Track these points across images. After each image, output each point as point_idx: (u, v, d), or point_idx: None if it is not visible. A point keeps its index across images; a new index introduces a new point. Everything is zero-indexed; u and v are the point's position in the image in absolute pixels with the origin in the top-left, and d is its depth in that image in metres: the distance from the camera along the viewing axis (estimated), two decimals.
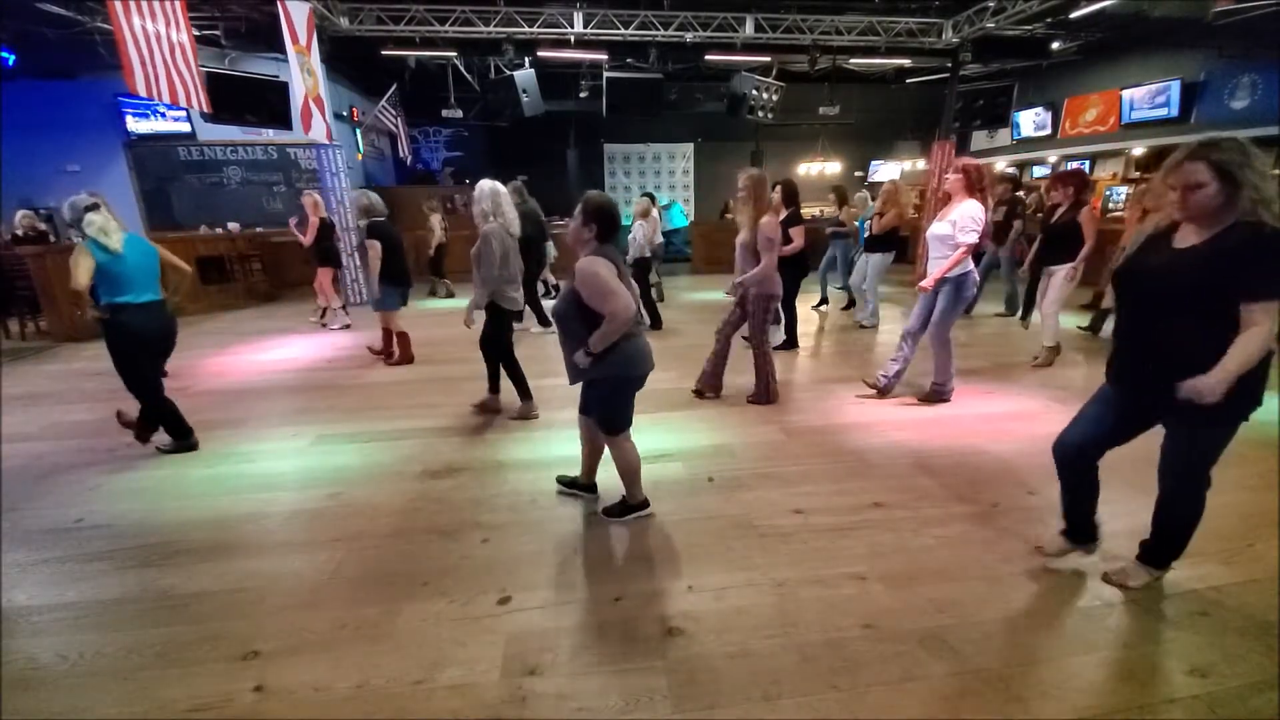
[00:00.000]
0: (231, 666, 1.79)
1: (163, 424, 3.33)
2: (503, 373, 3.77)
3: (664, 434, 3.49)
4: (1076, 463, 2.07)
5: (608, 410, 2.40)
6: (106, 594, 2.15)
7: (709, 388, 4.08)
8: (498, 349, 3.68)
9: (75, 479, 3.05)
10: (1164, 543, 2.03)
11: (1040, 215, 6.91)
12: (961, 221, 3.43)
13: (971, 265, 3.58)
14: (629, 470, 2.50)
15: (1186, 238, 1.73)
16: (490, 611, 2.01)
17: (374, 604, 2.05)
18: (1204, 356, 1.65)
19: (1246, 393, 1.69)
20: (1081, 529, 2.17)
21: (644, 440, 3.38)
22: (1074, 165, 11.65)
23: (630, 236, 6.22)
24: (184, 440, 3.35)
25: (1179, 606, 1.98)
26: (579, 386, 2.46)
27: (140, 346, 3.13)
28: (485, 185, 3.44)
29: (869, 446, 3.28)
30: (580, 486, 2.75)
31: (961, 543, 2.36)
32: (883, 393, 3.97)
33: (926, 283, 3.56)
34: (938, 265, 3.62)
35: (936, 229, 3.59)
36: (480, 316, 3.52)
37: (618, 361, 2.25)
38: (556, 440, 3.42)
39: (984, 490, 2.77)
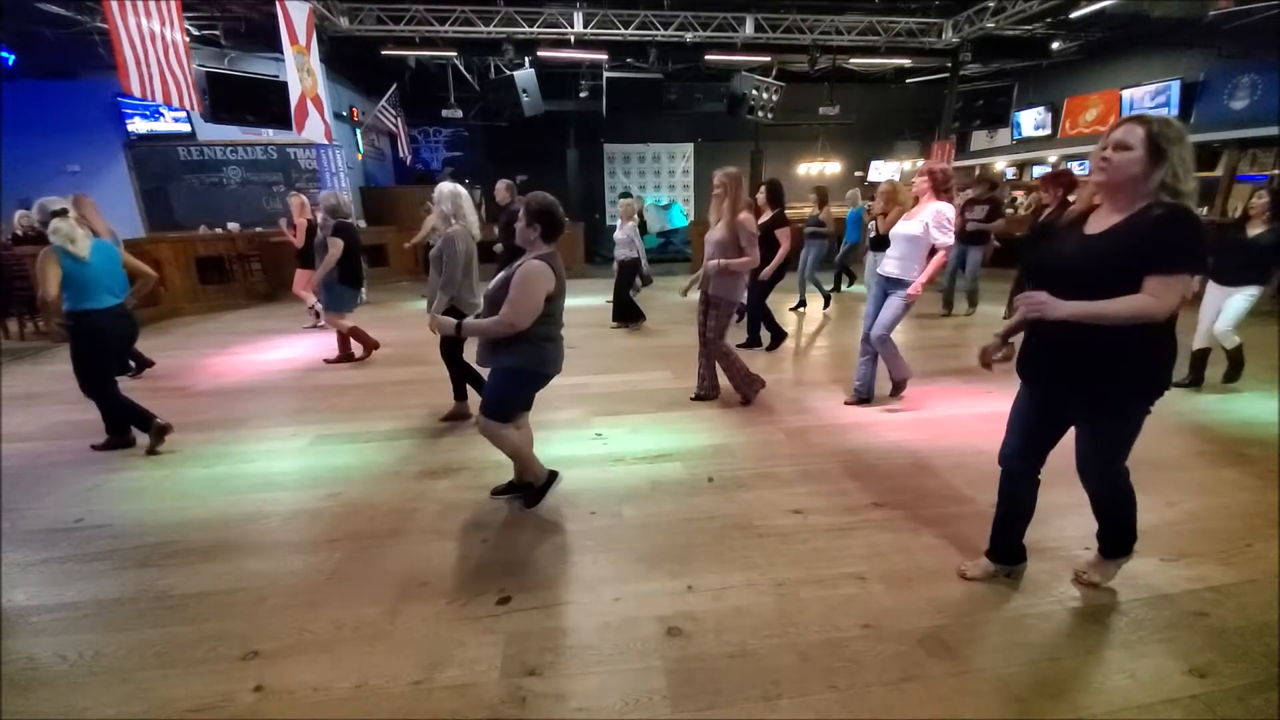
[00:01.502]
0: (231, 666, 1.79)
1: (131, 422, 3.29)
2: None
3: (664, 434, 3.49)
4: (1021, 472, 2.06)
5: (505, 396, 2.45)
6: (106, 594, 2.15)
7: (708, 390, 4.05)
8: (456, 352, 3.60)
9: (75, 479, 3.05)
10: (1113, 535, 2.04)
11: (1026, 214, 6.92)
12: (936, 221, 3.43)
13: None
14: (519, 454, 2.57)
15: (1099, 223, 1.68)
16: (490, 611, 2.01)
17: (373, 604, 2.05)
18: (1113, 344, 1.62)
19: (1147, 382, 1.68)
20: (1009, 550, 2.14)
21: (644, 440, 3.41)
22: (1066, 165, 11.68)
23: (623, 237, 6.20)
24: (145, 428, 3.30)
25: (1178, 606, 1.98)
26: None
27: (104, 350, 3.16)
28: (445, 187, 3.39)
29: (868, 446, 3.28)
30: (516, 487, 2.75)
31: (961, 543, 2.36)
32: (867, 400, 3.94)
33: (913, 289, 3.50)
34: (897, 264, 3.58)
35: (905, 228, 3.58)
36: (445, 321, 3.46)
37: (534, 356, 2.36)
38: (555, 440, 3.41)
39: (983, 490, 2.77)
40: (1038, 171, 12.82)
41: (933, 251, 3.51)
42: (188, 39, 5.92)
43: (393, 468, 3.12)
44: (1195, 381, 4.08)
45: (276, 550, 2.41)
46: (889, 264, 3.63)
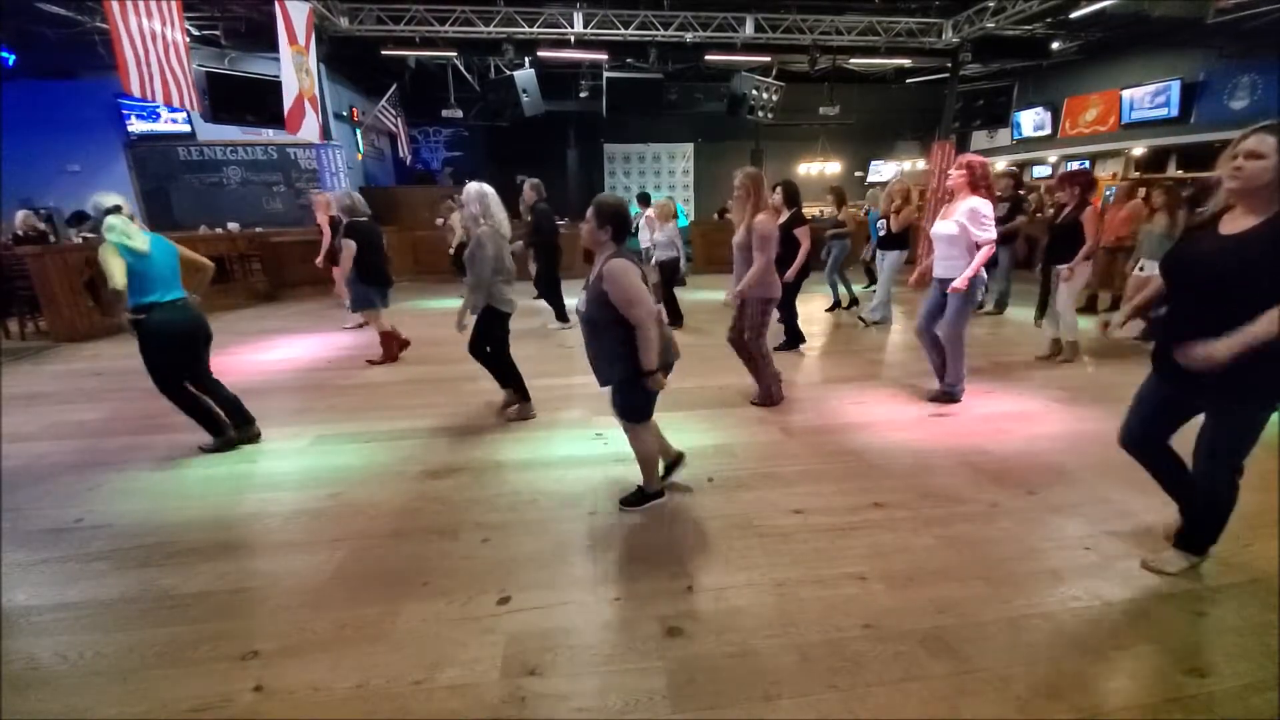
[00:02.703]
0: (231, 666, 1.79)
1: (198, 422, 3.27)
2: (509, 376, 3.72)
3: (664, 434, 3.48)
4: (1144, 448, 2.11)
5: (635, 400, 2.44)
6: (106, 594, 2.15)
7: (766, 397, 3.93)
8: (495, 349, 3.64)
9: (75, 479, 3.05)
10: (1197, 527, 2.06)
11: (1041, 215, 6.92)
12: (973, 219, 3.39)
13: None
14: (648, 459, 2.59)
15: (1234, 224, 1.74)
16: (490, 611, 2.01)
17: (374, 604, 2.05)
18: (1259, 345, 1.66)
19: (1273, 382, 1.73)
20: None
21: None
22: (1075, 165, 11.68)
23: (663, 238, 6.19)
24: (222, 435, 3.31)
25: (1179, 606, 1.98)
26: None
27: (173, 344, 3.13)
28: (473, 188, 3.40)
29: (869, 446, 3.28)
30: (671, 467, 2.82)
31: (961, 543, 2.36)
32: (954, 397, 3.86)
33: (959, 283, 3.46)
34: (944, 265, 3.58)
35: (942, 227, 3.54)
36: (470, 319, 3.48)
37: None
38: (557, 440, 3.41)
39: (984, 490, 2.77)
40: (1038, 172, 12.82)
41: (977, 247, 3.45)
42: (188, 39, 5.93)
43: (394, 468, 3.12)
44: None
45: (277, 550, 2.41)
46: (937, 266, 3.64)
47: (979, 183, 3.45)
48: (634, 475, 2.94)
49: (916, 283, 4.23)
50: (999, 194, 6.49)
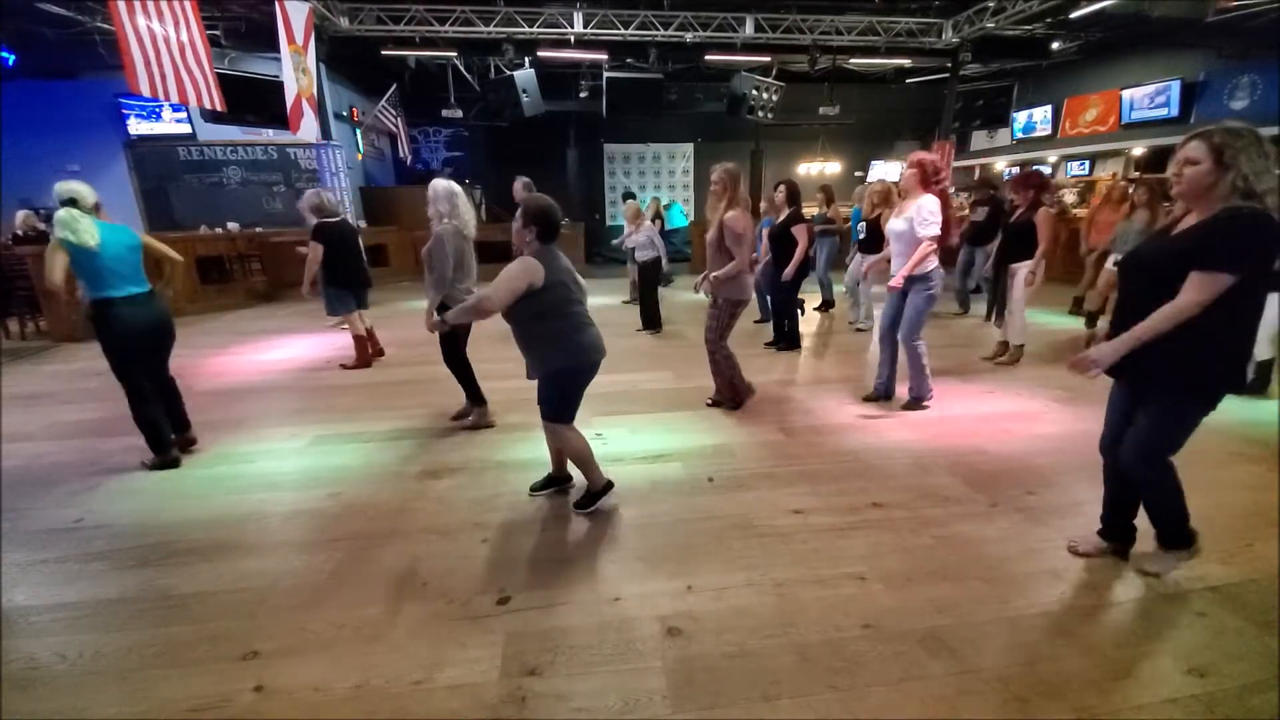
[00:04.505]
0: (231, 666, 1.79)
1: (142, 431, 3.11)
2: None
3: (663, 434, 3.49)
4: (1115, 454, 2.12)
5: (558, 399, 2.48)
6: (106, 594, 2.15)
7: (726, 398, 3.90)
8: (447, 350, 3.54)
9: (75, 479, 3.05)
10: (1167, 524, 2.08)
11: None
12: (919, 215, 3.35)
13: (936, 262, 3.50)
14: (582, 457, 2.58)
15: (1184, 225, 1.80)
16: (490, 611, 2.01)
17: (373, 604, 2.05)
18: (1185, 337, 1.70)
19: (1223, 372, 1.77)
20: (1122, 530, 2.21)
21: (644, 440, 3.41)
22: (1076, 165, 11.70)
23: (642, 239, 6.18)
24: (164, 455, 3.14)
25: (1178, 606, 1.98)
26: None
27: (130, 341, 3.01)
28: (440, 185, 3.34)
29: (868, 446, 3.27)
30: (555, 481, 2.81)
31: (961, 543, 2.36)
32: (885, 398, 3.89)
33: (895, 281, 3.47)
34: (899, 262, 3.53)
35: (895, 225, 3.52)
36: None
37: (573, 351, 2.40)
38: None
39: (983, 490, 2.77)
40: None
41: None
42: (206, 39, 5.93)
43: (393, 468, 3.12)
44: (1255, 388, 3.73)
45: (276, 550, 2.41)
46: (895, 263, 3.59)
47: (930, 179, 3.43)
48: (629, 474, 2.96)
49: (872, 269, 4.13)
50: (977, 198, 6.51)
